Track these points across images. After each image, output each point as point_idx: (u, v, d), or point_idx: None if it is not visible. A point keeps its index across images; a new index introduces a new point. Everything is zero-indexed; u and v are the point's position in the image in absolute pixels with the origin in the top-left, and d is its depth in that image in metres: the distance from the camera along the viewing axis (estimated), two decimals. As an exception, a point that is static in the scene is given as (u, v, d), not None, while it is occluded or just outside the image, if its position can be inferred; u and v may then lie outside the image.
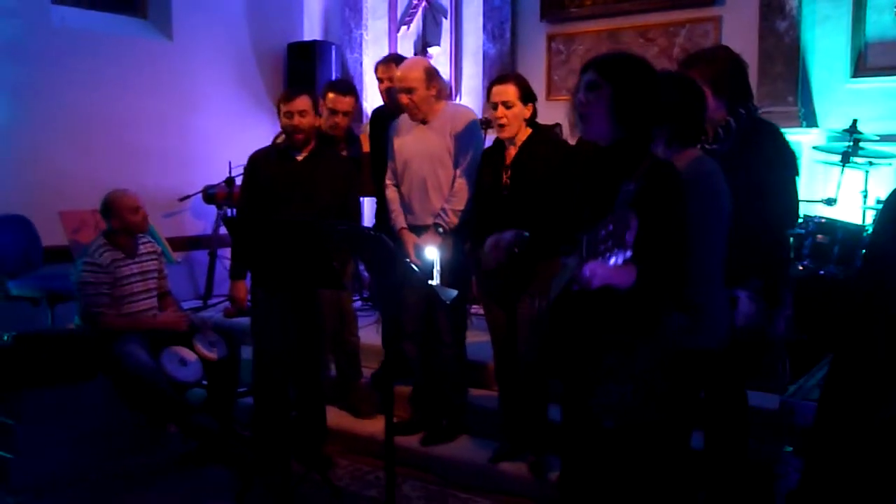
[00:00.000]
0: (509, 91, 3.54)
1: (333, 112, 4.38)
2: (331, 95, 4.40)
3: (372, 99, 6.92)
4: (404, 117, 4.03)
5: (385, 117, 4.46)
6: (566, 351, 2.39)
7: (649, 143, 2.38)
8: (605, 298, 2.15)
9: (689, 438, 2.73)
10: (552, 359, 2.47)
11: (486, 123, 4.15)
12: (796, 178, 2.97)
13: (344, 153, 4.43)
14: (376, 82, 4.79)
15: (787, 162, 2.93)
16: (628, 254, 1.96)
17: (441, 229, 3.85)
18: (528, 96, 3.58)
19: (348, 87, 4.58)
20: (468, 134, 3.89)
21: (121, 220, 4.19)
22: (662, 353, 2.30)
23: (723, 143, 2.89)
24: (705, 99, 2.60)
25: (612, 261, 1.96)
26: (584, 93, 2.37)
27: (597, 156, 2.42)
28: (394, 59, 4.63)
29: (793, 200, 2.98)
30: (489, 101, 3.64)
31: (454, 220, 3.85)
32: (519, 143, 3.61)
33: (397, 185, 4.06)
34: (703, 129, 2.70)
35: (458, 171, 3.86)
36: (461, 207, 3.85)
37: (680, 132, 2.53)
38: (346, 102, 4.42)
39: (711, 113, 2.86)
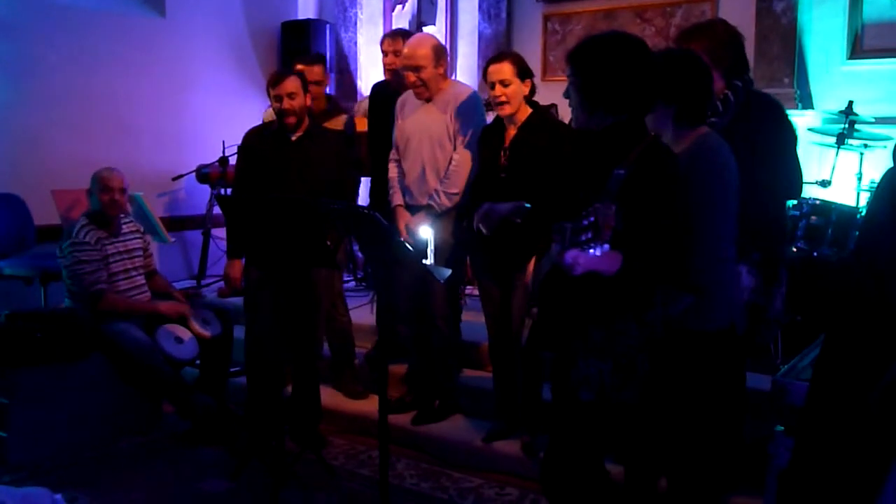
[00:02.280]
0: (505, 69, 3.52)
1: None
2: (299, 66, 4.34)
3: (366, 78, 6.89)
4: (410, 94, 3.98)
5: (387, 94, 4.42)
6: (556, 323, 2.39)
7: (642, 127, 2.33)
8: (594, 279, 2.14)
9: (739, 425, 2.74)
10: (542, 331, 2.47)
11: (486, 105, 4.14)
12: (795, 149, 2.96)
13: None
14: (378, 57, 4.71)
15: (785, 134, 2.92)
16: (606, 247, 1.98)
17: (434, 211, 3.84)
18: (524, 73, 3.56)
19: (316, 56, 4.53)
20: (468, 114, 3.84)
21: (97, 198, 4.17)
22: (650, 335, 2.28)
23: (722, 116, 2.87)
24: (711, 75, 2.56)
25: (592, 252, 1.97)
26: (568, 86, 2.36)
27: (591, 139, 2.40)
28: (401, 34, 4.55)
29: (795, 171, 2.97)
30: (486, 82, 3.62)
31: (446, 202, 3.84)
32: (519, 122, 3.59)
33: (399, 163, 4.04)
34: (710, 106, 2.66)
35: (455, 153, 3.84)
36: (454, 190, 3.83)
37: (687, 111, 2.48)
38: (315, 72, 4.36)
39: None
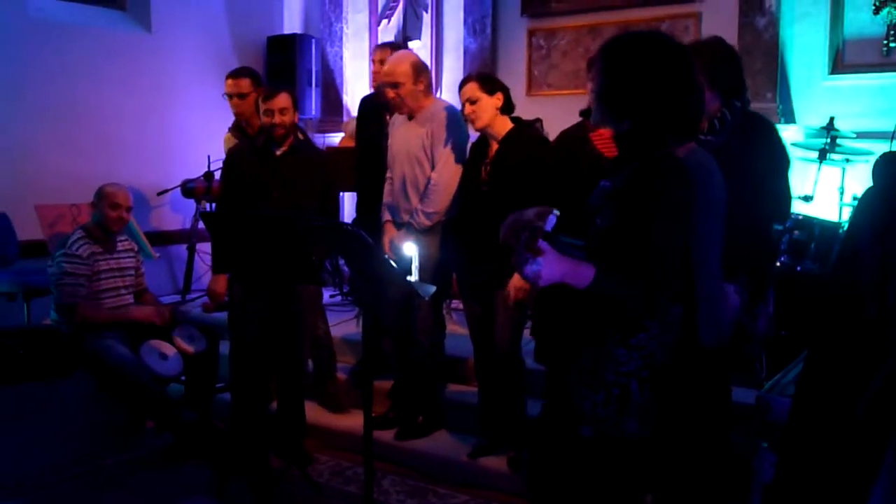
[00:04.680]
0: (471, 87, 3.62)
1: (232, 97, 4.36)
2: (229, 81, 4.35)
3: (352, 92, 6.90)
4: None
5: (374, 105, 4.43)
6: (551, 342, 2.30)
7: (652, 137, 2.11)
8: (582, 298, 2.01)
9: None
10: (540, 346, 2.39)
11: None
12: (788, 172, 2.98)
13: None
14: (364, 72, 4.73)
15: (779, 156, 2.93)
16: (540, 261, 1.88)
17: (413, 229, 3.85)
18: (492, 88, 3.63)
19: (245, 69, 4.51)
20: (446, 132, 3.86)
21: (101, 212, 4.17)
22: (645, 360, 2.09)
23: (717, 135, 2.88)
24: (703, 93, 2.53)
25: (528, 268, 1.88)
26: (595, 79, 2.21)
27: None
28: (391, 46, 4.57)
29: (784, 196, 2.99)
30: (461, 102, 3.69)
31: (424, 221, 3.85)
32: (500, 136, 3.64)
33: (390, 180, 4.05)
34: (699, 122, 2.64)
35: (434, 172, 3.85)
36: (432, 209, 3.84)
37: (681, 127, 2.44)
38: (243, 84, 4.34)
39: (706, 104, 2.85)
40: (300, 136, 4.05)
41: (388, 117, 4.23)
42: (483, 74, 3.82)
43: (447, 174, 3.83)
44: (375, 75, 4.54)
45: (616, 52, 2.12)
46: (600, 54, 2.16)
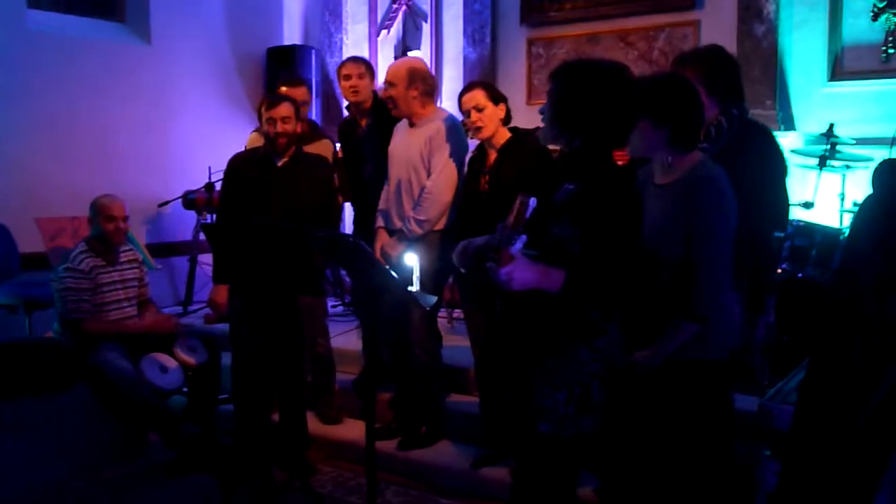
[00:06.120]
0: (478, 95, 3.62)
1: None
2: (283, 88, 4.37)
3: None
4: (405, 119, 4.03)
5: (349, 129, 4.53)
6: (513, 350, 2.39)
7: (606, 151, 2.33)
8: (546, 299, 2.12)
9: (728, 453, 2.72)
10: (502, 357, 2.49)
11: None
12: (785, 181, 2.97)
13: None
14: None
15: (776, 165, 2.92)
16: (524, 238, 1.99)
17: (405, 237, 3.86)
18: (497, 98, 3.64)
19: (299, 78, 4.56)
20: (445, 141, 3.85)
21: (98, 226, 4.16)
22: (606, 363, 2.24)
23: (714, 142, 2.88)
24: (700, 99, 2.54)
25: (516, 246, 1.99)
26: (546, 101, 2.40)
27: (560, 161, 2.42)
28: (361, 61, 4.52)
29: (781, 204, 2.98)
30: (461, 111, 3.69)
31: (416, 229, 3.83)
32: (498, 146, 3.65)
33: (388, 185, 4.06)
34: (700, 130, 2.65)
35: (429, 181, 3.85)
36: (424, 217, 3.82)
37: (680, 134, 2.44)
38: (299, 94, 4.36)
39: (704, 111, 2.85)
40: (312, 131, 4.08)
41: (359, 132, 4.33)
42: (487, 83, 3.82)
43: (442, 183, 3.82)
44: (344, 91, 4.45)
45: (570, 76, 2.33)
46: (553, 78, 2.36)
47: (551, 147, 3.89)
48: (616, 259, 2.14)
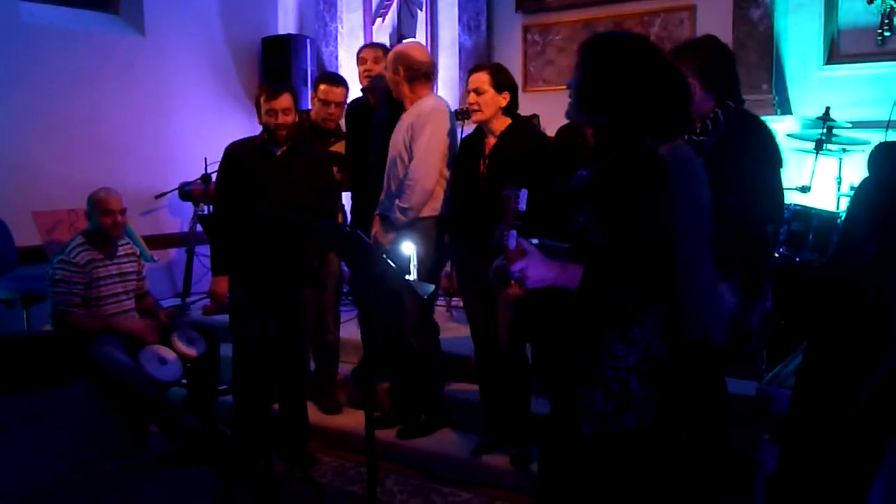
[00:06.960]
0: (482, 78, 3.60)
1: (325, 103, 4.37)
2: (323, 87, 4.39)
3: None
4: None
5: (360, 111, 4.46)
6: (546, 347, 2.31)
7: (631, 133, 2.14)
8: (573, 295, 2.00)
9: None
10: (536, 355, 2.41)
11: (463, 114, 4.12)
12: (780, 172, 2.97)
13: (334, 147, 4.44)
14: (354, 74, 4.71)
15: (772, 157, 2.92)
16: (514, 232, 1.94)
17: (390, 225, 3.85)
18: (501, 84, 3.60)
19: (339, 78, 4.56)
20: (425, 127, 3.79)
21: (95, 220, 4.15)
22: (645, 355, 2.11)
23: (710, 135, 2.88)
24: (690, 91, 2.52)
25: (510, 241, 1.93)
26: (573, 74, 2.23)
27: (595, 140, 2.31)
28: (379, 47, 4.60)
29: (777, 196, 2.98)
30: (466, 90, 3.68)
31: (400, 217, 3.81)
32: (498, 132, 3.63)
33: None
34: (687, 122, 2.64)
35: (411, 168, 3.80)
36: (406, 205, 3.79)
37: (662, 125, 2.45)
38: (337, 93, 4.39)
39: (699, 104, 2.83)
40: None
41: (371, 118, 4.28)
42: (497, 67, 3.72)
43: (423, 170, 3.78)
44: (359, 75, 4.50)
45: (596, 50, 2.15)
46: (581, 50, 2.19)
47: (549, 134, 3.93)
48: (640, 248, 2.01)
